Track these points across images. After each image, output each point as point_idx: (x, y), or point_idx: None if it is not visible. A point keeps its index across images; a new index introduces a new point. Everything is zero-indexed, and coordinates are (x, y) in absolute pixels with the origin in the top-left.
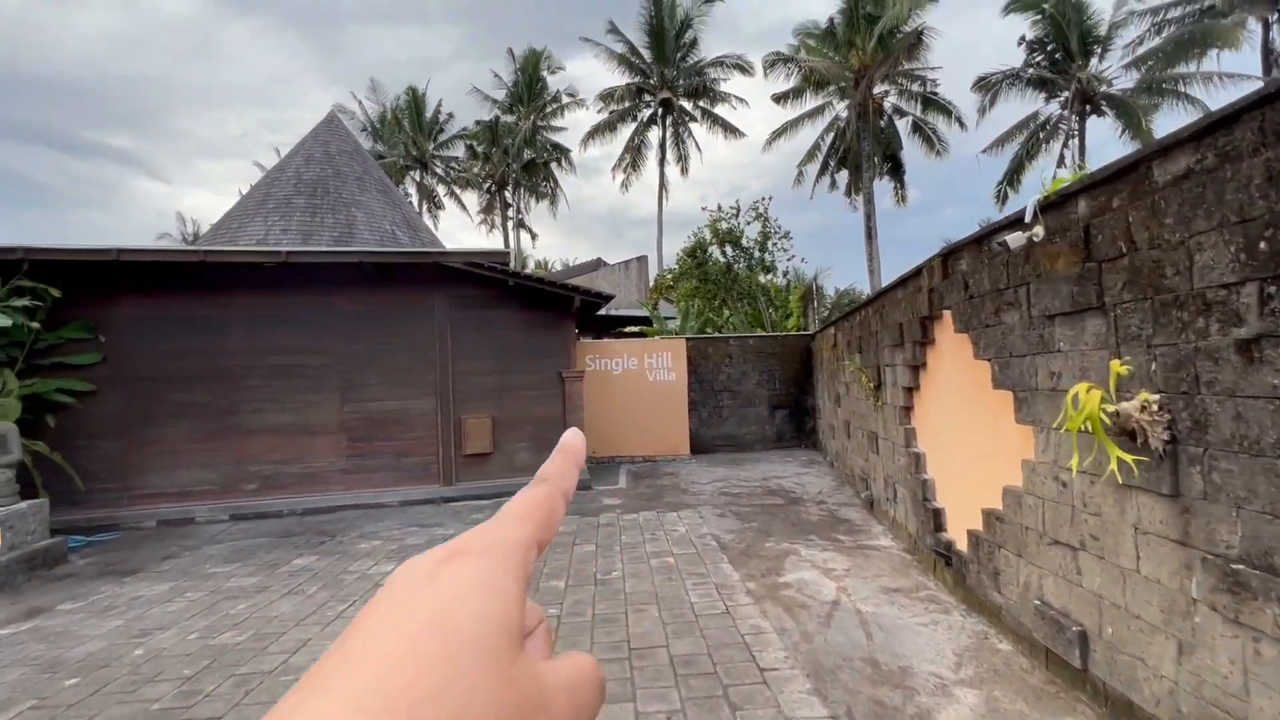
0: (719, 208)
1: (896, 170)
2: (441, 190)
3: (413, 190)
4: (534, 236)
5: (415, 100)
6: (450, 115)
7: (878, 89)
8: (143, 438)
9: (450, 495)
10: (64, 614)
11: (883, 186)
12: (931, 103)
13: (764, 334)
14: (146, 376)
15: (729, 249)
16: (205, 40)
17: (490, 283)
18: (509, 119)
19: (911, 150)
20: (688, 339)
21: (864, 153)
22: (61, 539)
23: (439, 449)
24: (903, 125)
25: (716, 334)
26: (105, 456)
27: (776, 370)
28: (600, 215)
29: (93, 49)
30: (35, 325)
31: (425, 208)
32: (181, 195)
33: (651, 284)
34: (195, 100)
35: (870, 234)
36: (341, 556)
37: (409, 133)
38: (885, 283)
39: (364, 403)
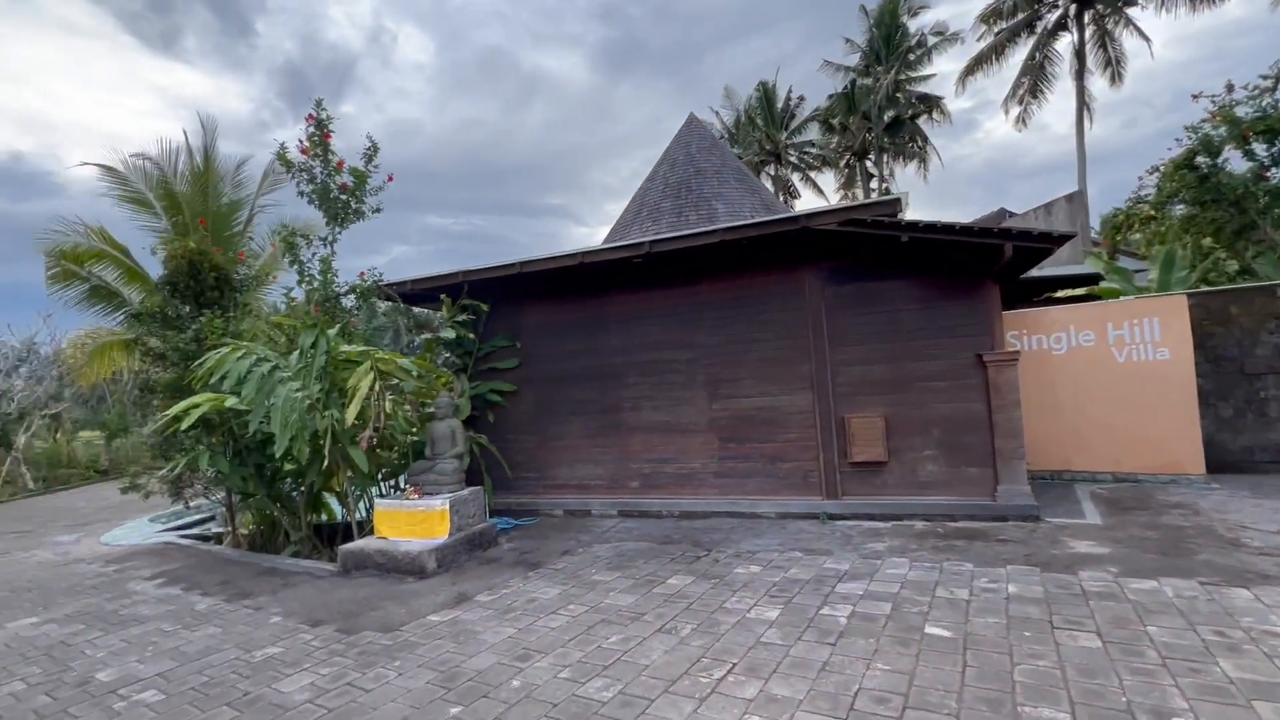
0: (1228, 88)
1: None
2: (796, 179)
3: (768, 185)
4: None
5: (766, 93)
6: (801, 99)
7: None
8: (550, 433)
9: (835, 512)
10: (479, 607)
11: None
12: None
13: None
14: (550, 377)
15: (1262, 145)
16: (600, 108)
17: (872, 245)
18: (866, 81)
19: None
20: (1192, 295)
21: None
22: (494, 523)
23: (819, 454)
24: None
25: (1256, 284)
26: (525, 449)
27: None
28: (978, 174)
29: (537, 135)
30: (471, 336)
31: (781, 198)
32: (594, 233)
33: (1097, 228)
34: (599, 156)
35: None
36: (717, 584)
37: (761, 128)
38: None
39: (732, 399)
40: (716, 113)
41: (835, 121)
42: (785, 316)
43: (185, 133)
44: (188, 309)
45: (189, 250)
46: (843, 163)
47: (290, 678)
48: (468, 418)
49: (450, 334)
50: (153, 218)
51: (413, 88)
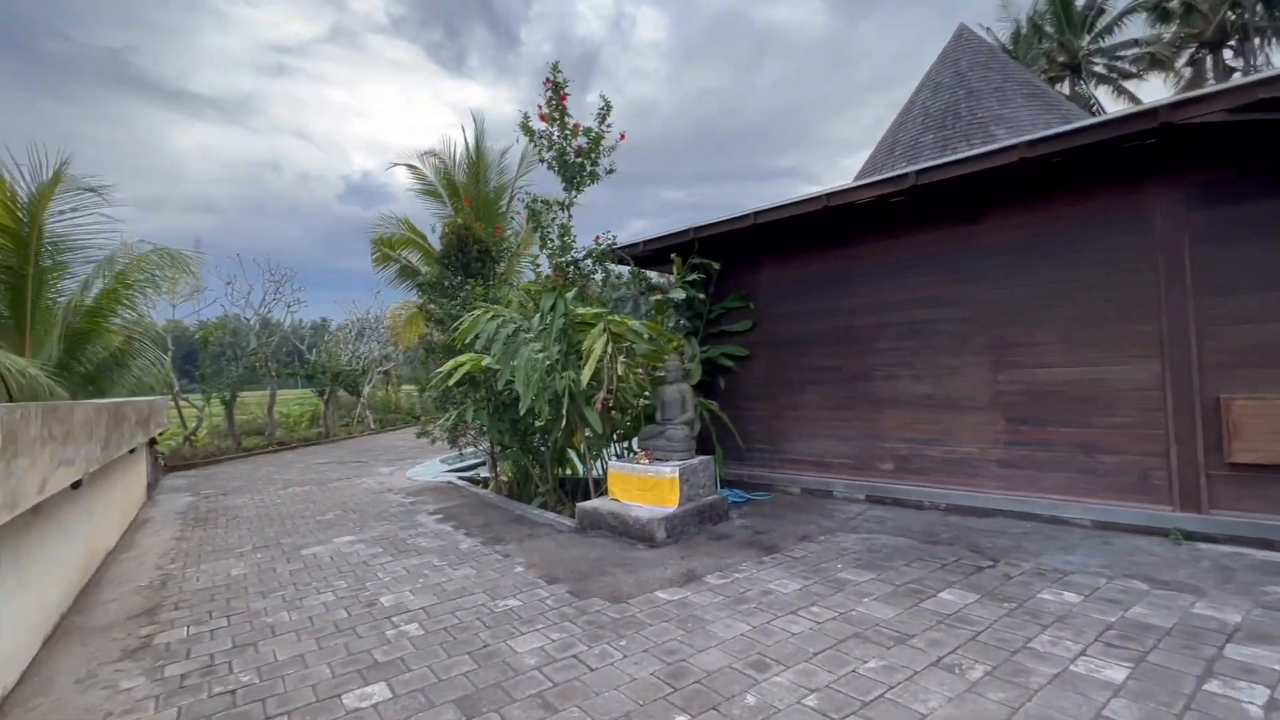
0: None
1: None
2: (1102, 93)
3: None
4: None
5: None
6: None
7: None
8: (785, 402)
9: (1196, 530)
10: (707, 590)
11: None
12: None
13: None
14: (785, 340)
15: None
16: (837, 53)
17: None
18: None
19: None
20: None
21: None
22: (724, 496)
23: (1169, 447)
24: None
25: None
26: (758, 419)
27: None
28: None
29: (768, 96)
30: (702, 297)
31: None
32: None
33: None
34: (835, 107)
35: None
36: (1014, 611)
37: (1053, 36)
38: None
39: (1025, 369)
40: (988, 29)
41: (1174, 4)
42: (1118, 256)
43: (463, 129)
44: (458, 279)
45: (457, 226)
46: (1182, 60)
47: (524, 636)
48: (698, 383)
49: (680, 295)
50: (440, 205)
51: (649, 66)
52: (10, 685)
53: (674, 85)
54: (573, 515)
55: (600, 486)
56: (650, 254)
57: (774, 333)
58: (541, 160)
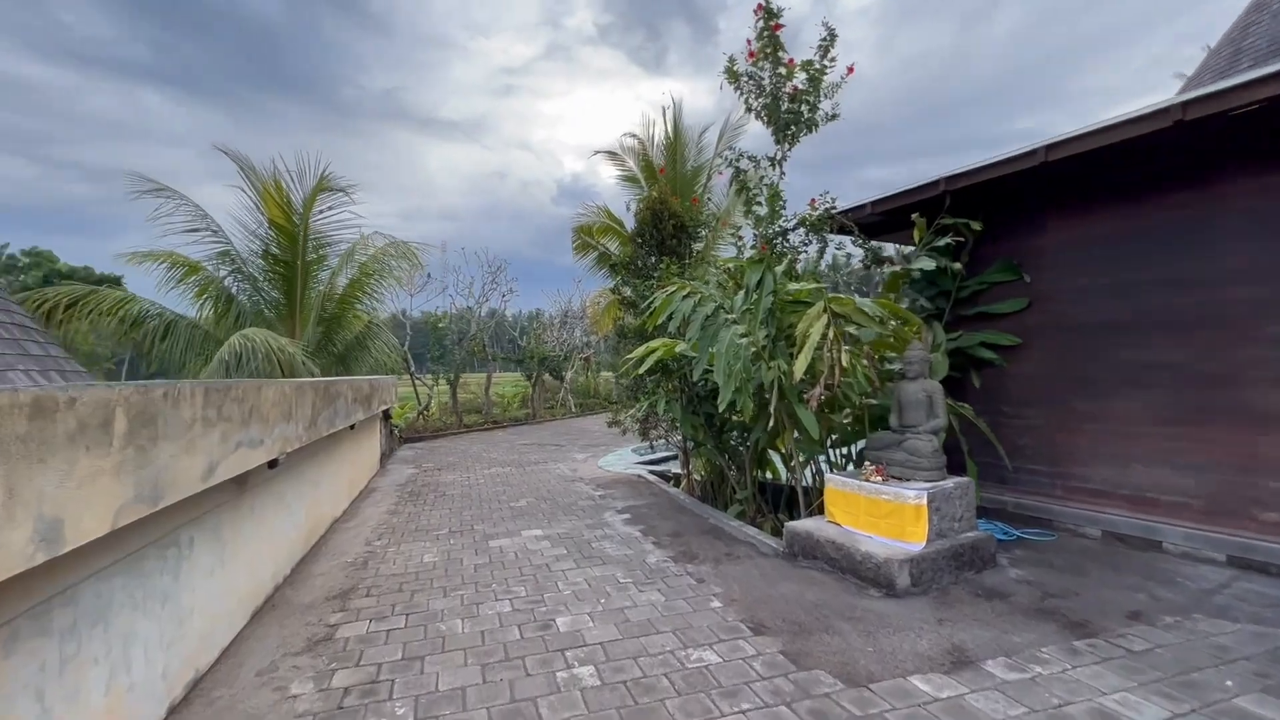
0: None
1: None
2: None
3: None
4: None
5: None
6: None
7: None
8: (1079, 410)
9: None
10: (994, 691)
11: None
12: None
13: None
14: (1081, 324)
15: None
16: None
17: None
18: None
19: None
20: None
21: None
22: (989, 534)
23: None
24: None
25: None
26: (1032, 430)
27: None
28: None
29: (1000, 51)
30: (957, 266)
31: None
32: None
33: None
34: (1094, 50)
35: None
36: None
37: None
38: None
39: None
40: None
41: None
42: None
43: (664, 109)
44: (652, 259)
45: (651, 200)
46: None
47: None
48: (943, 379)
49: (929, 264)
50: (638, 190)
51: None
52: (205, 667)
53: (882, 53)
54: (776, 533)
55: (810, 499)
56: (880, 219)
57: (1063, 314)
58: (749, 110)
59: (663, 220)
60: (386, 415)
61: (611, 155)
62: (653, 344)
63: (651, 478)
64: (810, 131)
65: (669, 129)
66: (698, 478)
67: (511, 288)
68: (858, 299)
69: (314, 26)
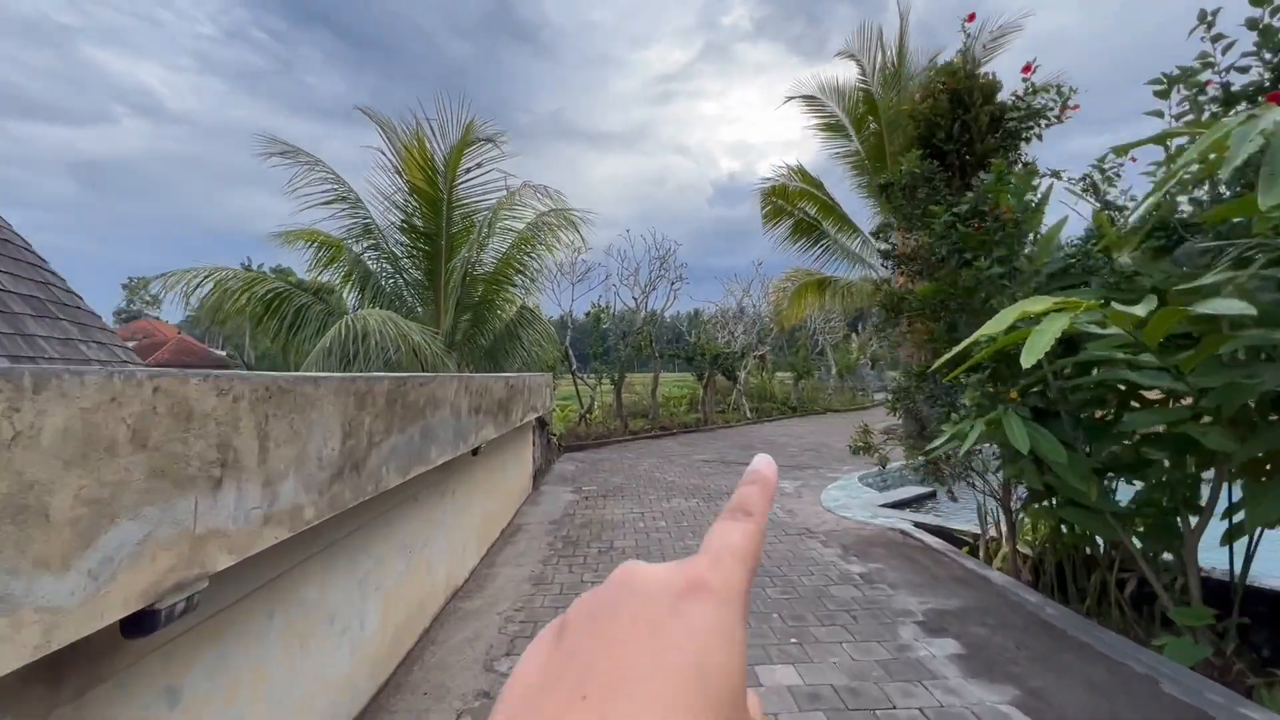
0: None
1: None
2: None
3: None
4: None
5: None
6: None
7: None
8: None
9: None
10: None
11: None
12: None
13: None
14: None
15: None
16: None
17: None
18: None
19: None
20: None
21: None
22: None
23: None
24: None
25: None
26: None
27: None
28: None
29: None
30: None
31: None
32: None
33: None
34: None
35: None
36: None
37: None
38: None
39: None
40: None
41: None
42: None
43: (880, 29)
44: (948, 173)
45: (949, 80)
46: None
47: None
48: None
49: None
50: (844, 141)
51: None
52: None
53: (1091, 9)
54: (1247, 688)
55: None
56: None
57: None
58: None
59: (971, 107)
60: (542, 423)
61: (809, 100)
62: (1035, 304)
63: (923, 536)
64: None
65: (892, 54)
66: (1027, 553)
67: (681, 274)
68: None
69: (494, 59)
